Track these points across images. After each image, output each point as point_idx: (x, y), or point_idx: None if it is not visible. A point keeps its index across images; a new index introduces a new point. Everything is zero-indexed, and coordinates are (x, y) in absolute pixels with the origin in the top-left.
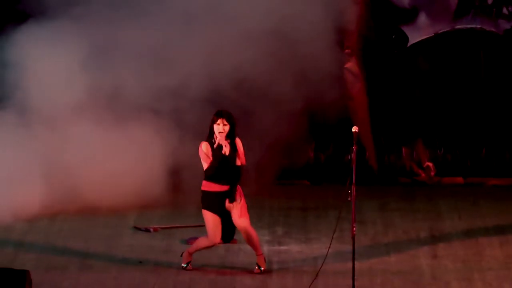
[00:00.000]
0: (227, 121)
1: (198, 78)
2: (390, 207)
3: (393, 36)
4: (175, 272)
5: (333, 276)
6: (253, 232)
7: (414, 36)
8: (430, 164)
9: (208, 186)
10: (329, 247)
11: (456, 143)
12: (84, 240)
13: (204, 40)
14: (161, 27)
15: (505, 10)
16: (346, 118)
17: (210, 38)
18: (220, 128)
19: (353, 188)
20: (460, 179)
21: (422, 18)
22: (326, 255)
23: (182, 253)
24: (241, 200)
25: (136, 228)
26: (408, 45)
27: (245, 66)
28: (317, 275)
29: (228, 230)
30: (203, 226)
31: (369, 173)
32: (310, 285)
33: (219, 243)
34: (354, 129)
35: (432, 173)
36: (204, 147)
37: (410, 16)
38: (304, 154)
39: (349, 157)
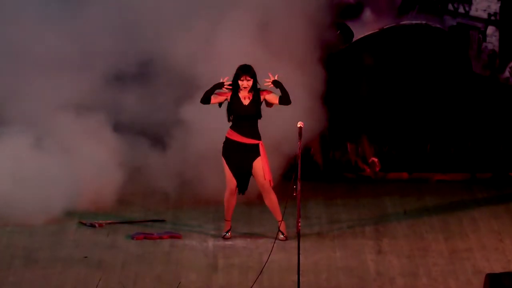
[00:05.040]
0: (250, 76)
1: None
2: (335, 203)
3: (338, 32)
4: (120, 267)
5: (279, 271)
6: (274, 195)
7: (359, 31)
8: (375, 160)
9: (230, 133)
10: (274, 243)
11: (401, 138)
12: (28, 236)
13: None
14: None
15: (450, 7)
16: None
17: None
18: (245, 84)
19: (298, 184)
20: (405, 175)
21: (367, 14)
22: (271, 250)
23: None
24: (263, 158)
25: (81, 223)
26: (353, 40)
27: None
28: (262, 270)
29: (244, 181)
30: (148, 221)
31: (314, 168)
32: (255, 281)
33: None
34: (299, 124)
35: (377, 169)
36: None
37: (355, 11)
38: None
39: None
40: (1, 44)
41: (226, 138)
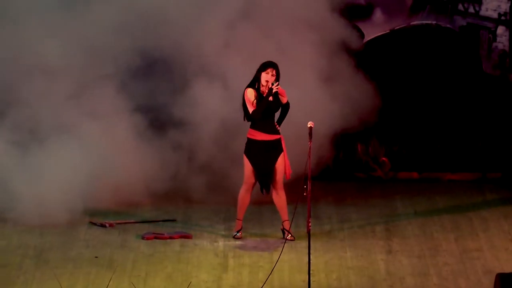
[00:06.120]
0: (276, 71)
1: None
2: (346, 203)
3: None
4: (130, 267)
5: (289, 271)
6: (284, 193)
7: (370, 32)
8: (386, 159)
9: (252, 134)
10: (285, 242)
11: (412, 138)
12: (39, 235)
13: None
14: None
15: (460, 7)
16: None
17: None
18: (269, 77)
19: (309, 183)
20: (415, 174)
21: (378, 14)
22: (282, 250)
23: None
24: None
25: (92, 223)
26: (364, 41)
27: None
28: (272, 270)
29: (269, 180)
30: (158, 221)
31: (325, 168)
32: (265, 281)
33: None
34: (310, 124)
35: (387, 168)
36: (250, 93)
37: (365, 12)
38: None
39: None
40: (18, 46)
41: (249, 139)
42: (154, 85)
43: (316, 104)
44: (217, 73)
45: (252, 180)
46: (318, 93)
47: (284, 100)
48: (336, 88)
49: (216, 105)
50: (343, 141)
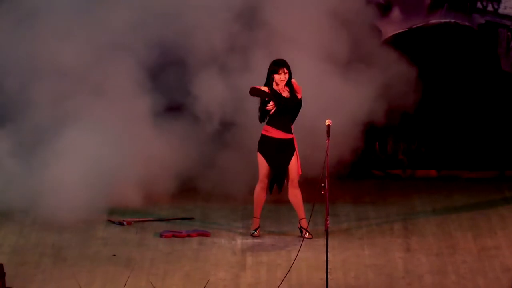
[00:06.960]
0: (287, 69)
1: None
2: (364, 200)
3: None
4: (148, 265)
5: (307, 269)
6: (299, 191)
7: (388, 30)
8: (404, 157)
9: (267, 130)
10: (303, 240)
11: (430, 136)
12: (57, 233)
13: None
14: None
15: (479, 5)
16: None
17: None
18: (282, 77)
19: (327, 181)
20: (433, 172)
21: (396, 13)
22: (300, 248)
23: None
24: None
25: (110, 221)
26: (382, 39)
27: None
28: (290, 268)
29: (282, 178)
30: (176, 219)
31: (343, 166)
32: (283, 279)
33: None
34: (328, 122)
35: (405, 166)
36: (263, 87)
37: (384, 10)
38: None
39: None
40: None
41: (263, 135)
42: (170, 80)
43: (336, 99)
44: (228, 67)
45: (267, 177)
46: (337, 88)
47: (298, 96)
48: (357, 82)
49: (229, 101)
50: (362, 138)
